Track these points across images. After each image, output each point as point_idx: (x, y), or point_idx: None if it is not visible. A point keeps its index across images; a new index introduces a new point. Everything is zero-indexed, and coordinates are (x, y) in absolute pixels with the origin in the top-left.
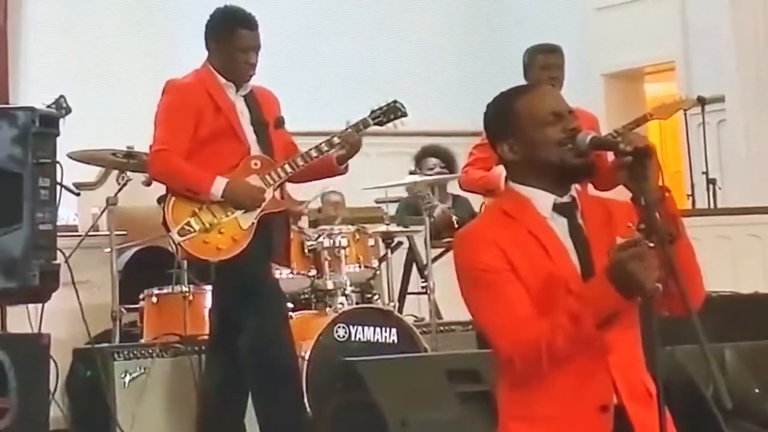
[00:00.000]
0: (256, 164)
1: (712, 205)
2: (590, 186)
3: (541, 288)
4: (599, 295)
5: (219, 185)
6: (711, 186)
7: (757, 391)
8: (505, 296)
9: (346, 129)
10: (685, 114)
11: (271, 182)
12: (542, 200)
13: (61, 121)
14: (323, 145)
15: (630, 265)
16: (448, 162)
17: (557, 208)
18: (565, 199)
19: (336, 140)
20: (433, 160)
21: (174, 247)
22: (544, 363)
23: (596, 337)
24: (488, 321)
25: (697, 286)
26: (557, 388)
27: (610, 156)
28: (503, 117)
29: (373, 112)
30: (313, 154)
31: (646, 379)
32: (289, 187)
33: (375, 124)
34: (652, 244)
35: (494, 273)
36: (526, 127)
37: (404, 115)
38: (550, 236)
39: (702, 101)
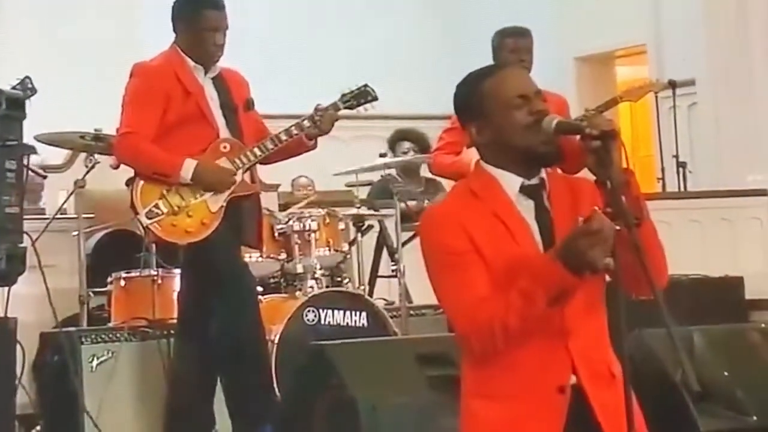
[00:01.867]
0: (225, 147)
1: (682, 189)
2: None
3: (504, 269)
4: (549, 272)
5: (188, 167)
6: (681, 169)
7: (726, 374)
8: (466, 277)
9: (316, 112)
10: (656, 97)
11: (241, 165)
12: (509, 182)
13: (27, 102)
14: (293, 128)
15: (579, 242)
16: (422, 145)
17: (524, 190)
18: (534, 181)
19: (306, 123)
20: (407, 144)
21: (142, 230)
22: (498, 341)
23: (549, 315)
24: (448, 301)
25: (661, 267)
26: (518, 368)
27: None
28: (471, 98)
29: (343, 95)
30: (283, 137)
31: (611, 361)
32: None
33: (345, 107)
34: (618, 228)
35: (457, 255)
36: (493, 110)
37: (374, 99)
38: (515, 218)
39: (673, 84)
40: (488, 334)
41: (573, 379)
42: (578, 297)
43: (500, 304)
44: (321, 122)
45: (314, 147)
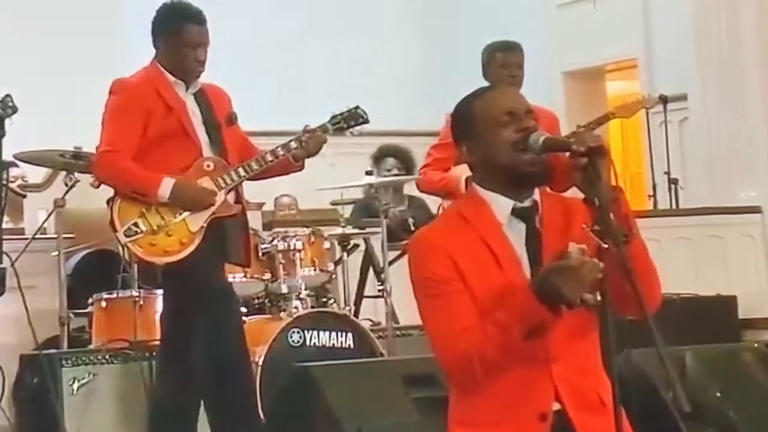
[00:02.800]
0: (209, 166)
1: (674, 206)
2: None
3: (489, 297)
4: (524, 306)
5: (166, 186)
6: (673, 186)
7: (718, 394)
8: (450, 307)
9: (304, 133)
10: (647, 113)
11: (224, 185)
12: (501, 205)
13: (7, 120)
14: (279, 149)
15: (553, 278)
16: (406, 162)
17: (516, 213)
18: (526, 203)
19: (293, 145)
20: (391, 161)
21: (122, 249)
22: (477, 374)
23: (526, 347)
24: (431, 331)
25: (653, 286)
26: (501, 395)
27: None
28: (462, 119)
29: (333, 117)
30: (269, 158)
31: (600, 388)
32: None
33: (335, 129)
34: (606, 246)
35: (442, 283)
36: (482, 129)
37: (365, 121)
38: (503, 245)
39: (664, 99)
40: (467, 365)
41: (556, 406)
42: (564, 323)
43: (477, 336)
44: (308, 144)
45: (301, 168)
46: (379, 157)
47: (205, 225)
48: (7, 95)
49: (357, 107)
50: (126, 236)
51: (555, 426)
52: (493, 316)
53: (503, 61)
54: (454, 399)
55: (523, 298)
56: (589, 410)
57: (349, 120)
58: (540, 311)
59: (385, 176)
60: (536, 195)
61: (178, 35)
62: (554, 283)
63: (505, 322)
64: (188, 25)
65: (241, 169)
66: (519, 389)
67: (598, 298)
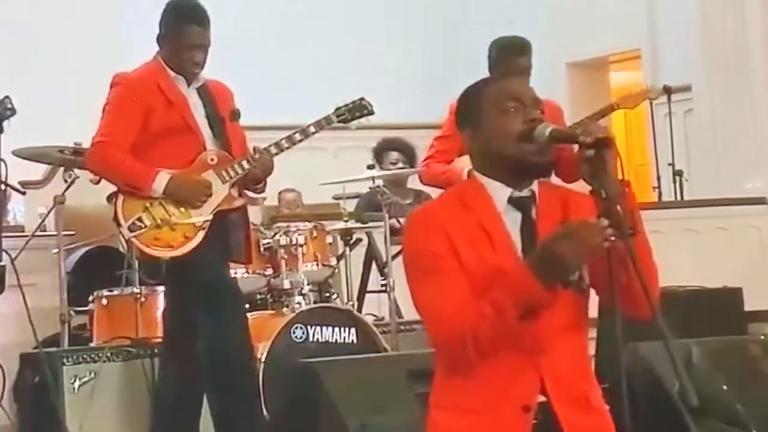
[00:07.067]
0: (212, 159)
1: (678, 198)
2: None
3: (483, 279)
4: (519, 284)
5: (161, 180)
6: (678, 178)
7: (725, 387)
8: (443, 284)
9: (309, 125)
10: (651, 104)
11: (228, 178)
12: (499, 192)
13: (5, 122)
14: (284, 141)
15: (556, 246)
16: (409, 156)
17: (513, 202)
18: (524, 193)
19: (298, 136)
20: (395, 155)
21: (125, 245)
22: (470, 352)
23: (521, 329)
24: (424, 307)
25: (653, 284)
26: (485, 384)
27: (576, 147)
28: (467, 104)
29: (337, 108)
30: (273, 150)
31: (589, 388)
32: None
33: (339, 121)
34: (613, 238)
35: (437, 259)
36: (487, 115)
37: (371, 113)
38: (500, 231)
39: (668, 90)
40: (460, 344)
41: (542, 399)
42: (555, 316)
43: (472, 314)
44: (257, 164)
45: (262, 191)
46: (381, 151)
47: (209, 219)
48: (6, 97)
49: (362, 98)
50: (130, 231)
51: (539, 419)
52: (488, 295)
53: (515, 68)
54: (438, 383)
55: (518, 275)
56: (575, 407)
57: (354, 111)
58: (536, 288)
59: (388, 169)
60: (535, 186)
61: (178, 35)
62: (557, 251)
63: (500, 300)
64: (188, 27)
65: (245, 162)
66: (503, 379)
67: (587, 281)
